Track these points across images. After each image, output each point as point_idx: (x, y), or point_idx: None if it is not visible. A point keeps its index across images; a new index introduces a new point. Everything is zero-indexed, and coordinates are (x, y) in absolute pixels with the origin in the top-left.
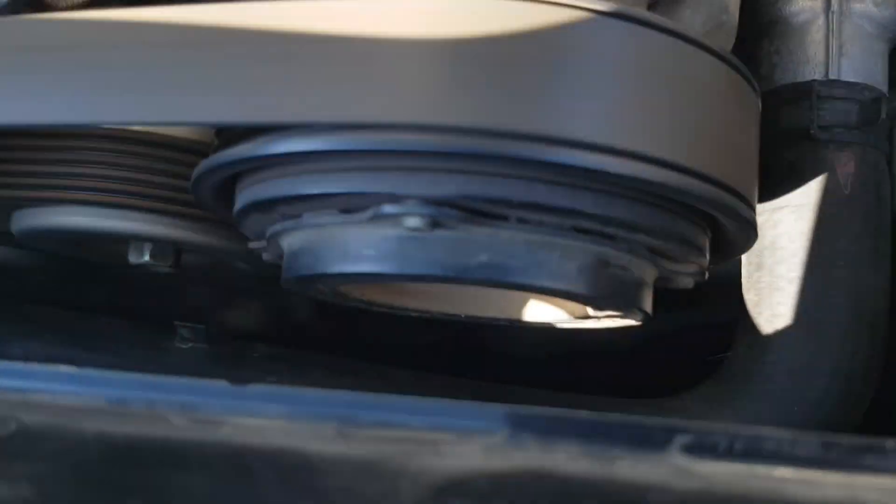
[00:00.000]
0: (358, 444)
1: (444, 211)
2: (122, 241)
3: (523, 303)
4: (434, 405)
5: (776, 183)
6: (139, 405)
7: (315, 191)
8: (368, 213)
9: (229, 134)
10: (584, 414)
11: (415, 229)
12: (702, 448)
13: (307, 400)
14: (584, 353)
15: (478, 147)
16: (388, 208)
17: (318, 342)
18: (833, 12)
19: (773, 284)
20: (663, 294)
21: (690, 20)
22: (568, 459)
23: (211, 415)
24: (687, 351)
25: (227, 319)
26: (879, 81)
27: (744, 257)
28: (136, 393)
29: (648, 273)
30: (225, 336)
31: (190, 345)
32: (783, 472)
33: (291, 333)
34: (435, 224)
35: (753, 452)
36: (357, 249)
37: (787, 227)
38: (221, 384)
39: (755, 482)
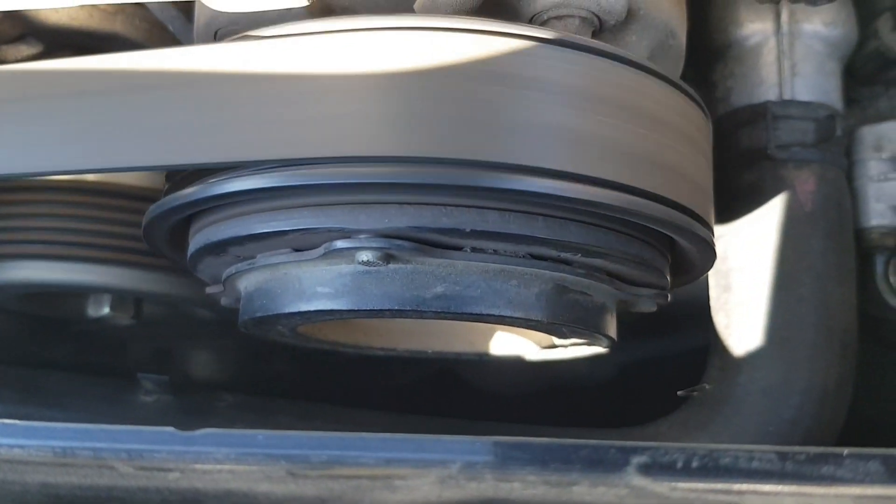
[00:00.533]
0: (309, 483)
1: (397, 244)
2: (81, 294)
3: (490, 336)
4: (386, 440)
5: (739, 203)
6: (85, 455)
7: (266, 229)
8: (321, 249)
9: (179, 177)
10: (538, 440)
11: (368, 263)
12: (659, 467)
13: (256, 442)
14: (566, 387)
15: (427, 177)
16: (341, 244)
17: (295, 388)
18: (783, 34)
19: (741, 305)
20: (638, 323)
21: (636, 46)
22: (524, 486)
23: (158, 461)
24: (666, 378)
25: (192, 368)
26: (834, 99)
27: (711, 279)
28: (81, 443)
29: (609, 297)
30: (190, 386)
31: (154, 396)
32: (741, 486)
33: (265, 380)
34: (388, 257)
35: (711, 468)
36: (312, 287)
37: (751, 247)
38: (168, 430)
39: (714, 497)
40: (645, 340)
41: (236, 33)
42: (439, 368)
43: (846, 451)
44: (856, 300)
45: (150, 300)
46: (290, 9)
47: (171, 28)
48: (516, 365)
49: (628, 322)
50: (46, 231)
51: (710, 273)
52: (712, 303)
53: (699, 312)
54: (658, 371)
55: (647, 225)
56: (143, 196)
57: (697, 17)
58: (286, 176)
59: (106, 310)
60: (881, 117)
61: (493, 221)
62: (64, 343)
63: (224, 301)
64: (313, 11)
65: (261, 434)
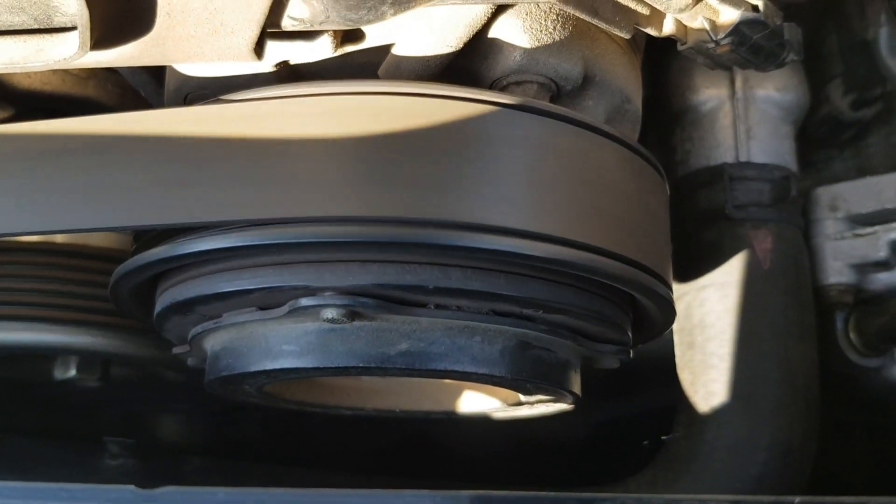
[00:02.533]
0: None
1: (362, 301)
2: (48, 356)
3: (457, 394)
4: (348, 496)
5: (699, 263)
6: None
7: (232, 288)
8: (286, 307)
9: (147, 237)
10: (500, 493)
11: (333, 321)
12: None
13: (216, 499)
14: (540, 448)
15: (390, 236)
16: (305, 301)
17: (265, 452)
18: (738, 99)
19: (705, 362)
20: (608, 383)
21: (593, 110)
22: None
23: None
24: (637, 437)
25: (160, 432)
26: (789, 161)
27: (675, 337)
28: (42, 502)
29: (572, 354)
30: (157, 450)
31: (120, 460)
32: None
33: (234, 445)
34: (353, 315)
35: None
36: (277, 345)
37: (713, 304)
38: (128, 489)
39: None
40: (615, 400)
41: (206, 98)
42: (413, 431)
43: (798, 499)
44: (817, 356)
45: (117, 362)
46: (259, 74)
47: (142, 93)
48: (490, 427)
49: (599, 382)
50: (13, 292)
51: (675, 331)
52: (677, 360)
53: (666, 370)
54: (629, 430)
55: (607, 282)
56: (110, 257)
57: (656, 83)
58: (252, 235)
59: (73, 372)
60: (836, 178)
61: (455, 278)
62: (29, 407)
63: (190, 361)
64: (281, 76)
65: (221, 491)
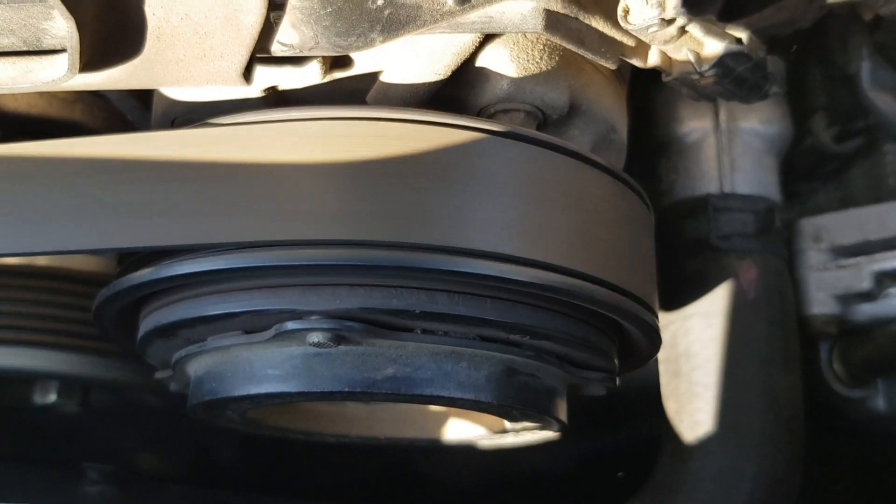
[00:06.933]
0: None
1: (348, 325)
2: (27, 380)
3: (442, 421)
4: None
5: (685, 292)
6: None
7: (217, 311)
8: (271, 331)
9: (131, 260)
10: None
11: (319, 345)
12: None
13: None
14: (524, 480)
15: (377, 259)
16: (291, 325)
17: (247, 482)
18: (722, 131)
19: (690, 391)
20: (594, 413)
21: (579, 139)
22: None
23: None
24: (623, 468)
25: (140, 459)
26: (773, 192)
27: (661, 366)
28: None
29: (559, 380)
30: (136, 477)
31: (99, 487)
32: None
33: (215, 473)
34: (339, 339)
35: None
36: (262, 370)
37: (698, 333)
38: None
39: None
40: (601, 430)
41: (193, 122)
42: (396, 461)
43: None
44: (802, 387)
45: (98, 387)
46: (247, 98)
47: (129, 117)
48: (474, 458)
49: (585, 411)
50: None
51: (660, 360)
52: (662, 389)
53: (652, 400)
54: (615, 461)
55: (594, 308)
56: (92, 280)
57: (642, 113)
58: (237, 258)
59: (53, 397)
60: (819, 210)
61: (442, 303)
62: (7, 432)
63: (173, 386)
64: (269, 101)
65: None
